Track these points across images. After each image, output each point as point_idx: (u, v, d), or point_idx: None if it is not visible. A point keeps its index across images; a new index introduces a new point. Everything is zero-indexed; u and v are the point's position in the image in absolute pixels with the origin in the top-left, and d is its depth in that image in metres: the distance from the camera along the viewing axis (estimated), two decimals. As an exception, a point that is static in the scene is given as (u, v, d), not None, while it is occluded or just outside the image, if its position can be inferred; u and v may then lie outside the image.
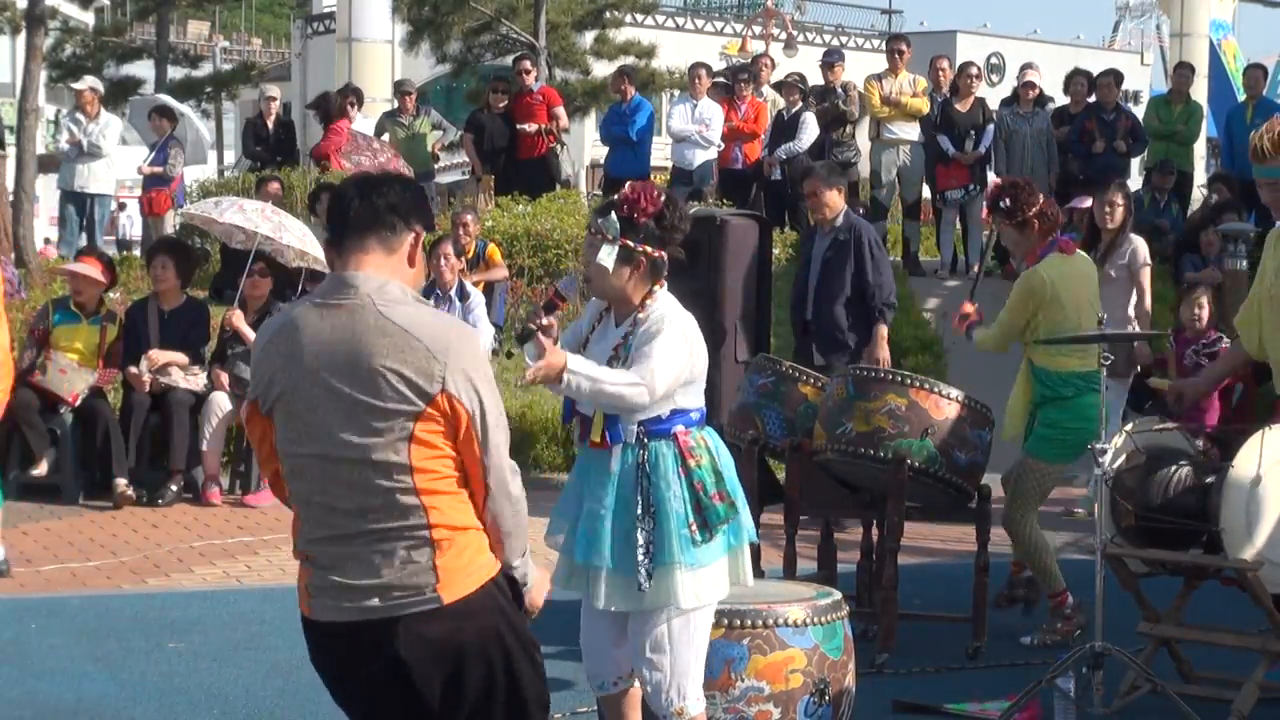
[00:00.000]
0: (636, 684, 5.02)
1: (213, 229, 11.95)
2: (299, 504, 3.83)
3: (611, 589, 4.81)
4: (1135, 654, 6.39)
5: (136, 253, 17.58)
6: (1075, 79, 16.18)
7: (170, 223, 15.98)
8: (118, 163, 16.95)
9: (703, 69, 16.18)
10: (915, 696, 6.54)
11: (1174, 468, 6.52)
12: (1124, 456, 6.54)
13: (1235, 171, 14.82)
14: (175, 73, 27.58)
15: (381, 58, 23.40)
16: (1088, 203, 13.76)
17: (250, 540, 9.62)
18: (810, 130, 15.33)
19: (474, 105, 18.92)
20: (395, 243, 3.82)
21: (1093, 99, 15.65)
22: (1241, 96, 18.49)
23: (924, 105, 15.17)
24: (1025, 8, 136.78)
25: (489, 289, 12.92)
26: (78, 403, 10.54)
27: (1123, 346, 9.77)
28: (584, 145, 26.23)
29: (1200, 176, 19.88)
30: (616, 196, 4.96)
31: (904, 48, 15.66)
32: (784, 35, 32.31)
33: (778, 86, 16.20)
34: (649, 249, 4.86)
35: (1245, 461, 6.17)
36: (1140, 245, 10.31)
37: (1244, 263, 12.02)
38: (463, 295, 11.24)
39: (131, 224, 27.47)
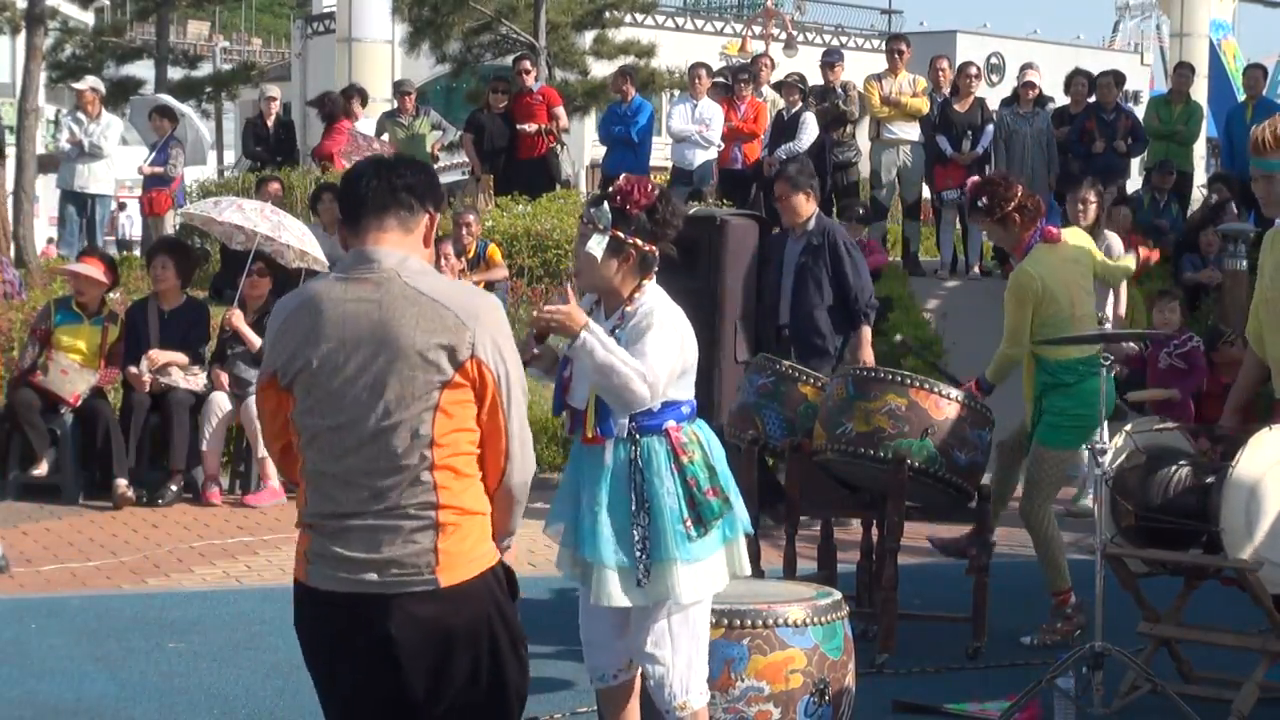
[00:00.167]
0: (636, 677, 5.02)
1: (212, 229, 11.95)
2: (310, 476, 3.82)
3: (611, 585, 4.81)
4: (1135, 654, 6.39)
5: (136, 253, 17.59)
6: (1076, 79, 16.19)
7: (170, 223, 15.97)
8: (118, 163, 16.95)
9: (703, 69, 16.18)
10: (915, 696, 6.54)
11: (1174, 468, 6.52)
12: (1124, 456, 6.55)
13: (1235, 171, 14.83)
14: (175, 73, 27.55)
15: (381, 58, 23.39)
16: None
17: (250, 540, 9.62)
18: (810, 130, 15.32)
19: (474, 105, 18.91)
20: (412, 223, 3.86)
21: (1093, 99, 15.66)
22: (1241, 96, 18.49)
23: (924, 105, 15.17)
24: (1025, 8, 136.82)
25: (489, 289, 12.93)
26: (79, 403, 10.54)
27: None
28: (584, 145, 26.23)
29: (1200, 176, 19.89)
30: (610, 188, 4.97)
31: (904, 48, 15.67)
32: (784, 35, 32.29)
33: (778, 86, 16.19)
34: (639, 242, 4.86)
35: (1245, 461, 6.17)
36: (1115, 242, 10.33)
37: (1244, 263, 12.03)
38: (463, 295, 11.23)
39: (131, 224, 27.48)
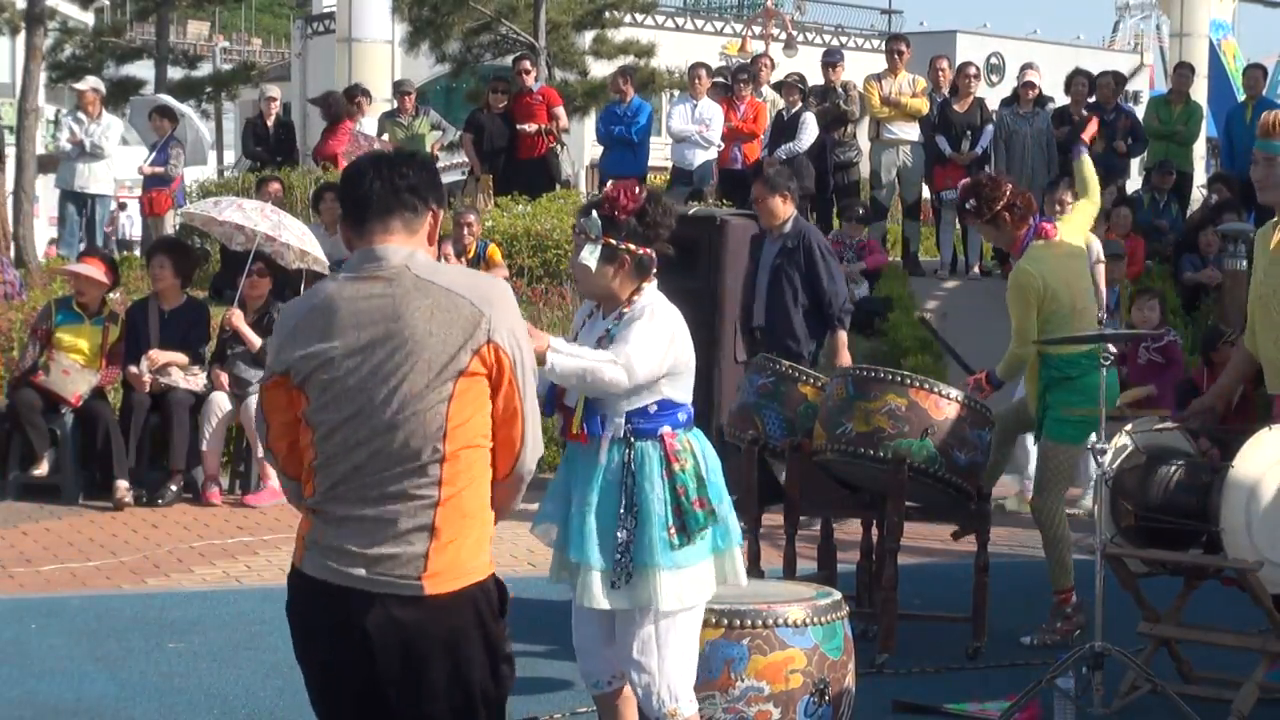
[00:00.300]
0: (630, 682, 5.02)
1: (212, 230, 11.95)
2: (319, 466, 3.81)
3: (595, 587, 4.81)
4: (1135, 654, 6.39)
5: (136, 253, 17.58)
6: (1076, 79, 16.19)
7: (170, 223, 15.97)
8: (118, 163, 16.95)
9: (702, 69, 16.18)
10: (915, 696, 6.54)
11: (1174, 467, 6.52)
12: (1124, 456, 6.55)
13: (1235, 171, 14.82)
14: (175, 73, 27.55)
15: (381, 58, 23.38)
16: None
17: (250, 540, 9.62)
18: (810, 130, 15.32)
19: (474, 105, 18.90)
20: (417, 224, 3.87)
21: (1093, 99, 15.66)
22: (1241, 96, 18.49)
23: (923, 106, 15.17)
24: (1025, 8, 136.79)
25: (487, 274, 12.90)
26: (80, 403, 10.54)
27: None
28: (584, 145, 26.20)
29: (1200, 176, 19.89)
30: (598, 196, 4.98)
31: (903, 48, 15.66)
32: (784, 35, 32.29)
33: (778, 86, 16.19)
34: (632, 246, 4.86)
35: (1245, 461, 6.18)
36: (1094, 242, 10.33)
37: (1244, 263, 12.04)
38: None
39: (132, 224, 27.46)
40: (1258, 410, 6.86)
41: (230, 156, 30.36)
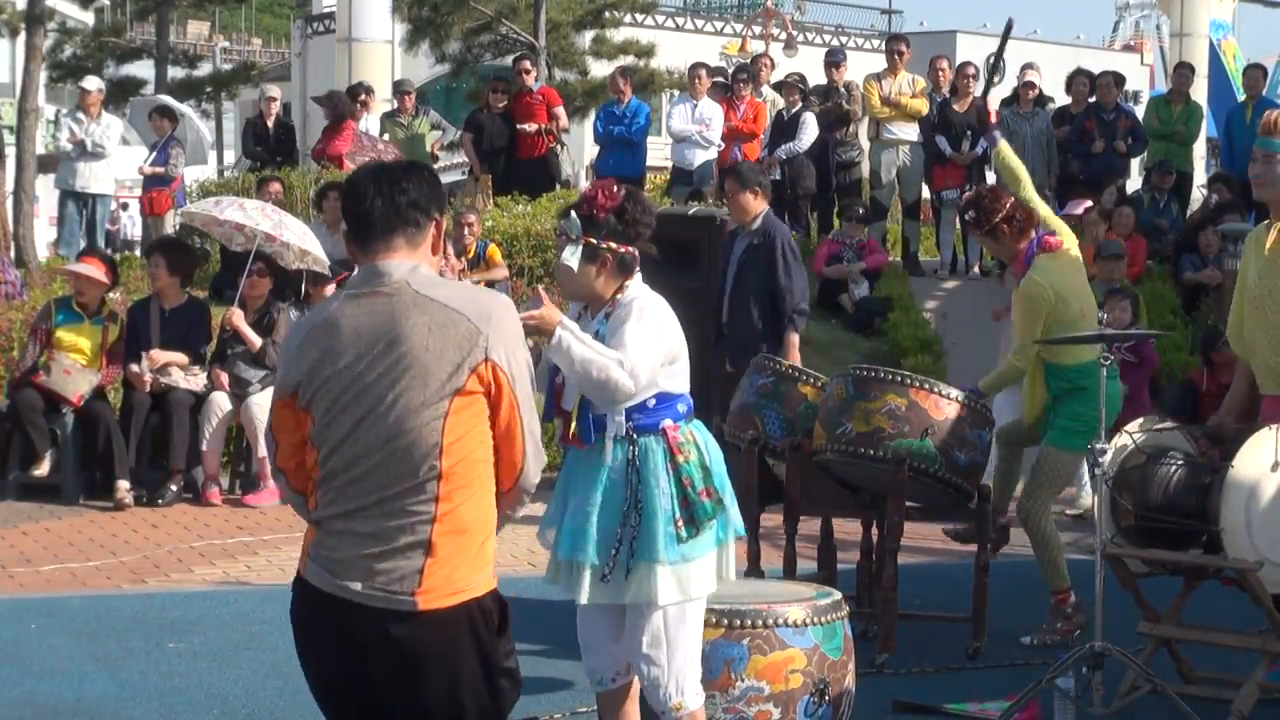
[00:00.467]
0: (635, 679, 5.02)
1: (213, 230, 11.95)
2: (322, 481, 3.84)
3: (595, 584, 4.82)
4: (1135, 654, 6.39)
5: (137, 253, 17.58)
6: (1077, 79, 16.19)
7: (170, 223, 15.98)
8: (118, 163, 16.96)
9: (702, 69, 16.18)
10: (915, 696, 6.54)
11: (1174, 467, 6.52)
12: (1124, 456, 6.55)
13: (1235, 171, 14.82)
14: (175, 73, 27.56)
15: (381, 58, 23.39)
16: (1083, 207, 13.81)
17: (250, 540, 9.62)
18: (810, 130, 15.33)
19: (474, 105, 18.90)
20: (420, 238, 3.89)
21: (1093, 99, 15.66)
22: (1241, 96, 18.49)
23: (923, 106, 15.17)
24: (1025, 8, 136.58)
25: (489, 289, 12.91)
26: (81, 403, 10.54)
27: None
28: (584, 145, 26.17)
29: (1200, 176, 19.89)
30: (577, 197, 4.98)
31: (903, 48, 15.66)
32: (784, 35, 32.27)
33: (778, 86, 16.19)
34: (613, 245, 4.87)
35: (1245, 461, 6.18)
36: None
37: (1243, 263, 12.02)
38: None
39: (134, 224, 27.48)
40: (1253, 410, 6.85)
41: (230, 156, 30.36)
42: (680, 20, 37.41)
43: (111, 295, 11.44)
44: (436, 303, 3.75)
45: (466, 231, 12.84)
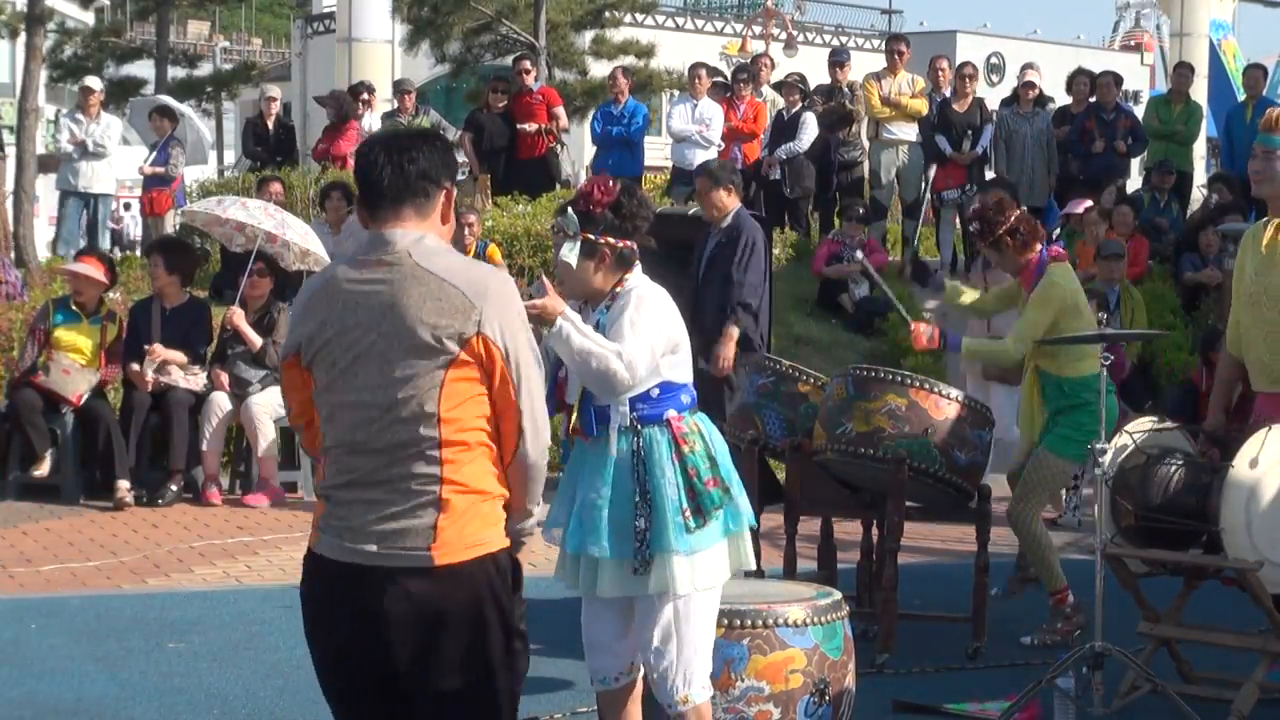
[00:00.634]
0: (638, 679, 5.02)
1: (213, 231, 11.95)
2: (328, 449, 3.89)
3: (610, 577, 4.82)
4: (1135, 654, 6.39)
5: (137, 253, 17.58)
6: (1078, 78, 16.19)
7: (171, 223, 15.98)
8: (118, 163, 16.96)
9: (702, 69, 16.17)
10: (915, 696, 6.54)
11: (1174, 467, 6.52)
12: (1124, 456, 6.55)
13: (1235, 171, 14.83)
14: (175, 73, 27.55)
15: (381, 58, 23.38)
16: (1083, 207, 13.81)
17: (250, 540, 9.63)
18: (810, 130, 15.32)
19: (474, 105, 18.90)
20: (429, 208, 3.91)
21: (1093, 99, 15.66)
22: (1241, 96, 18.50)
23: (922, 106, 15.16)
24: (1025, 8, 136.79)
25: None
26: (81, 403, 10.55)
27: None
28: (583, 145, 26.15)
29: (1200, 176, 19.88)
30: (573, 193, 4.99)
31: (903, 48, 15.65)
32: (784, 35, 32.28)
33: (778, 86, 16.19)
34: (611, 240, 4.88)
35: (1245, 461, 6.17)
36: None
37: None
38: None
39: (136, 224, 27.47)
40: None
41: (230, 156, 30.35)
42: (680, 20, 37.38)
43: (112, 296, 11.44)
44: (434, 275, 3.78)
45: (466, 231, 12.82)
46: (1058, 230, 14.50)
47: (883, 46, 19.16)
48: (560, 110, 16.50)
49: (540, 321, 4.74)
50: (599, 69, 23.18)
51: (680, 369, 4.93)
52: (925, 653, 7.21)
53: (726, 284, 9.26)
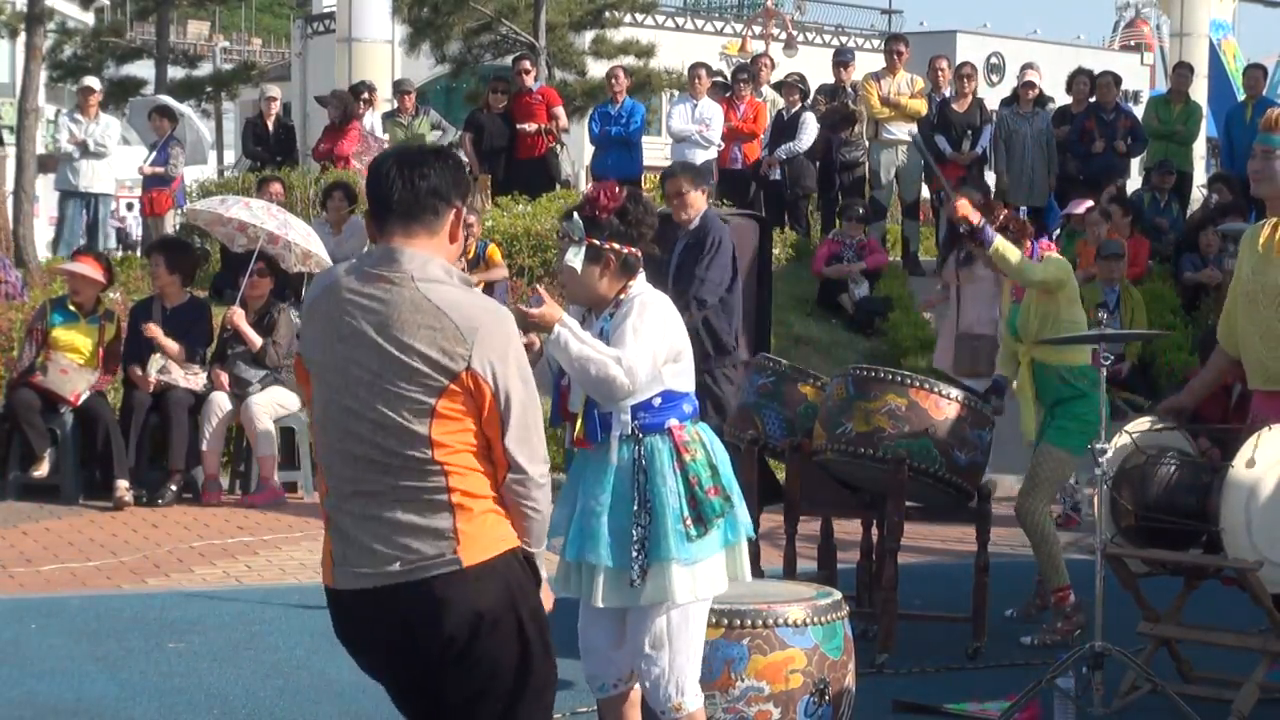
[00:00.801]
0: (636, 685, 5.02)
1: (215, 231, 11.95)
2: (324, 456, 3.91)
3: (608, 586, 4.82)
4: (1135, 654, 6.39)
5: (137, 253, 17.57)
6: (1078, 78, 16.19)
7: (170, 223, 15.97)
8: (118, 163, 16.96)
9: (702, 69, 16.17)
10: (915, 696, 6.54)
11: (1173, 467, 6.52)
12: (1124, 456, 6.55)
13: (1235, 171, 14.82)
14: (175, 73, 27.54)
15: (381, 58, 23.35)
16: (1083, 207, 13.80)
17: (250, 540, 9.62)
18: (810, 130, 15.32)
19: (474, 105, 18.90)
20: (438, 226, 3.91)
21: (1093, 99, 15.67)
22: (1241, 96, 18.49)
23: (921, 106, 15.17)
24: (1025, 8, 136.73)
25: (489, 289, 12.89)
26: (79, 403, 10.54)
27: (979, 348, 9.83)
28: (583, 145, 26.15)
29: (1200, 176, 19.88)
30: (579, 198, 5.00)
31: (902, 48, 15.66)
32: (784, 35, 32.28)
33: (778, 86, 16.20)
34: (616, 245, 4.88)
35: (1244, 461, 6.17)
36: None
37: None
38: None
39: (138, 224, 27.48)
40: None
41: (230, 156, 30.34)
42: (680, 20, 37.36)
43: (113, 296, 11.44)
44: (431, 303, 3.78)
45: (466, 232, 12.84)
46: (1058, 230, 14.50)
47: (882, 46, 19.18)
48: (560, 110, 16.51)
49: (539, 329, 4.75)
50: (599, 69, 23.18)
51: (682, 378, 4.93)
52: (925, 653, 7.21)
53: (691, 285, 9.23)
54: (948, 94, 15.25)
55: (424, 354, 3.75)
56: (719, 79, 16.63)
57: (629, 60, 22.50)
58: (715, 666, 5.27)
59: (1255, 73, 17.13)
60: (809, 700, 5.40)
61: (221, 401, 10.71)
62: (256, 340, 10.84)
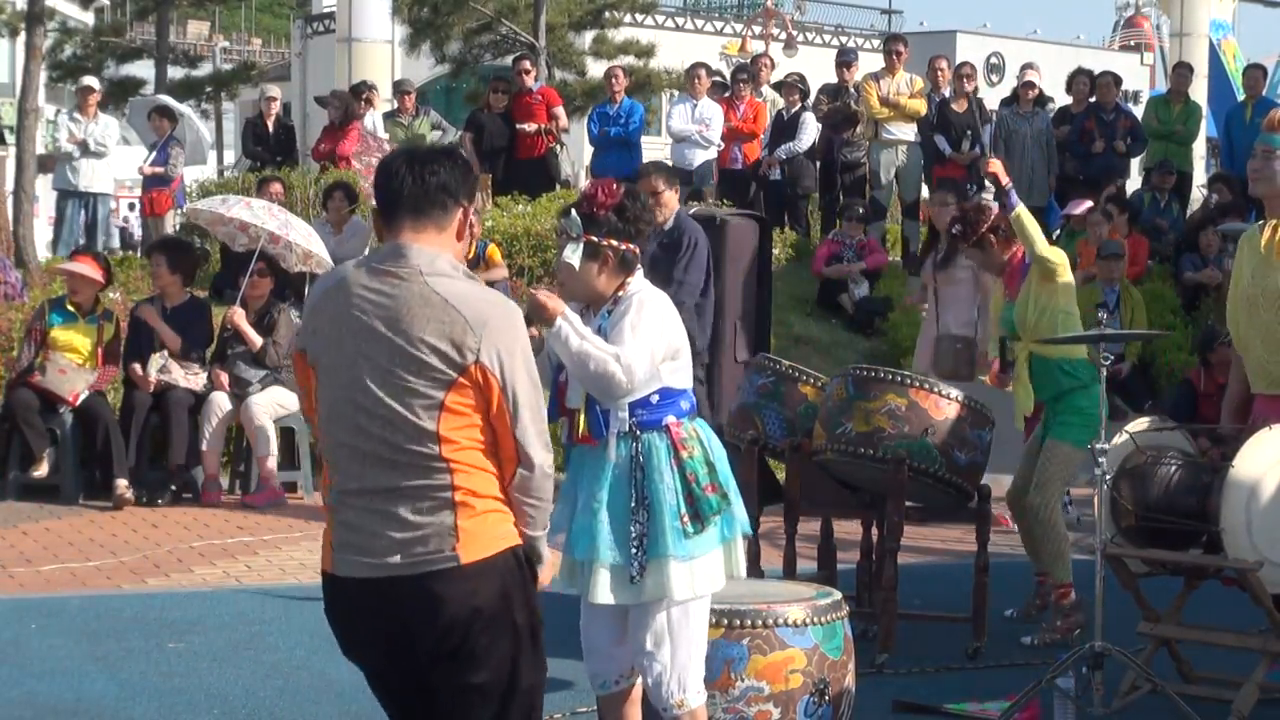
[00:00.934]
0: (637, 683, 5.03)
1: (216, 231, 11.96)
2: (329, 451, 3.92)
3: (608, 583, 4.83)
4: (1135, 654, 6.39)
5: (138, 253, 17.57)
6: (1078, 78, 16.19)
7: (170, 223, 15.97)
8: (118, 163, 16.96)
9: (702, 69, 16.18)
10: (915, 696, 6.54)
11: (1174, 467, 6.52)
12: (1124, 456, 6.55)
13: (1235, 171, 14.82)
14: (175, 73, 27.54)
15: (381, 58, 23.37)
16: (1084, 207, 13.80)
17: (250, 540, 9.62)
18: (810, 130, 15.32)
19: (474, 105, 18.90)
20: (446, 221, 3.93)
21: (1093, 99, 15.66)
22: (1241, 96, 18.49)
23: (921, 106, 15.16)
24: (1025, 8, 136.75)
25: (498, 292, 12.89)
26: (78, 403, 10.54)
27: (959, 351, 9.84)
28: (583, 145, 26.15)
29: (1200, 176, 19.88)
30: (577, 196, 5.00)
31: (901, 48, 15.66)
32: (784, 35, 32.28)
33: (778, 86, 16.19)
34: (614, 242, 4.89)
35: (1245, 461, 6.17)
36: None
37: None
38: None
39: (137, 224, 27.47)
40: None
41: (230, 156, 30.33)
42: (680, 20, 37.36)
43: (113, 296, 11.44)
44: (440, 297, 3.80)
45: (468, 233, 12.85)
46: (1058, 231, 14.50)
47: (882, 47, 19.18)
48: (560, 110, 16.51)
49: (540, 319, 4.75)
50: (598, 69, 23.18)
51: (680, 375, 4.94)
52: (925, 653, 7.21)
53: (667, 287, 9.18)
54: (947, 94, 15.24)
55: (434, 346, 3.77)
56: (719, 79, 16.62)
57: (629, 60, 22.50)
58: (715, 666, 5.27)
59: (1255, 73, 17.13)
60: (809, 700, 5.40)
61: (221, 401, 10.71)
62: (257, 340, 10.84)
